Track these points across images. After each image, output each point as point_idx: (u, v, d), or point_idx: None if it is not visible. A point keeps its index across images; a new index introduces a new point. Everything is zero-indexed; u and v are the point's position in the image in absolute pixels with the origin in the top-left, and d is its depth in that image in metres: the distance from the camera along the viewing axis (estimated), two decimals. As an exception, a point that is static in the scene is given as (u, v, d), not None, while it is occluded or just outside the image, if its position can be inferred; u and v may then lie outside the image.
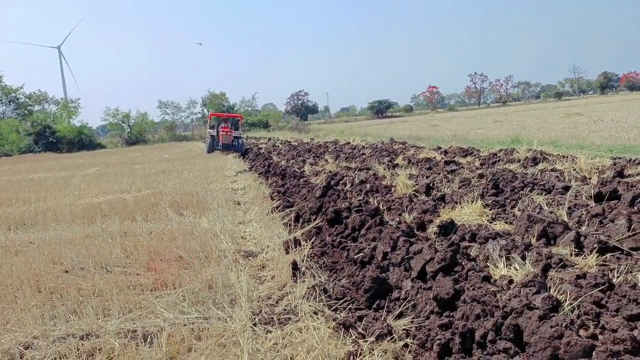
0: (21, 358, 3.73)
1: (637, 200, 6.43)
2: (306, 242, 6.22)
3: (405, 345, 3.61)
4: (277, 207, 8.61)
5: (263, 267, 5.74)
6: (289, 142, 32.62)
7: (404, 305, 4.20)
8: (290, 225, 7.18)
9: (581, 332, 3.17)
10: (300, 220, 7.52)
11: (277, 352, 3.55)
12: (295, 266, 5.15)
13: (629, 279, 4.06)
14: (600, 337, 3.12)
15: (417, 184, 9.18)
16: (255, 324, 3.99)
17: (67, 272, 5.69)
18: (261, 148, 29.33)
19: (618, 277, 4.16)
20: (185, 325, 4.06)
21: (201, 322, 4.11)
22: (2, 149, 55.36)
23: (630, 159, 10.13)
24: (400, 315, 4.06)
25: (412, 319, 3.94)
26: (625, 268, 4.32)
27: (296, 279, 4.89)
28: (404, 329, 3.80)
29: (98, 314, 4.42)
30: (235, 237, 6.97)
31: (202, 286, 4.92)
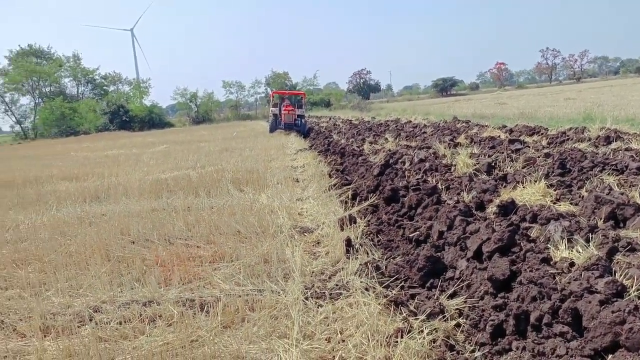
0: (90, 320, 4.00)
1: None
2: (362, 219, 6.22)
3: (457, 325, 3.57)
4: (334, 185, 8.64)
5: (318, 243, 5.81)
6: (350, 120, 32.51)
7: (458, 285, 4.14)
8: (346, 202, 7.20)
9: (646, 318, 3.00)
10: (357, 198, 7.52)
11: (327, 325, 3.60)
12: (349, 243, 5.18)
13: None
14: (667, 325, 2.94)
15: (479, 163, 8.91)
16: (307, 298, 4.06)
17: (133, 242, 6.01)
18: (322, 127, 29.41)
19: (693, 263, 3.88)
20: (240, 296, 4.20)
21: (255, 294, 4.24)
22: (81, 127, 58.73)
23: None
24: (453, 295, 4.01)
25: (466, 298, 3.87)
26: (701, 254, 4.02)
27: (349, 256, 4.92)
28: (456, 309, 3.75)
29: (160, 283, 4.65)
30: (292, 214, 7.08)
31: (257, 260, 5.05)
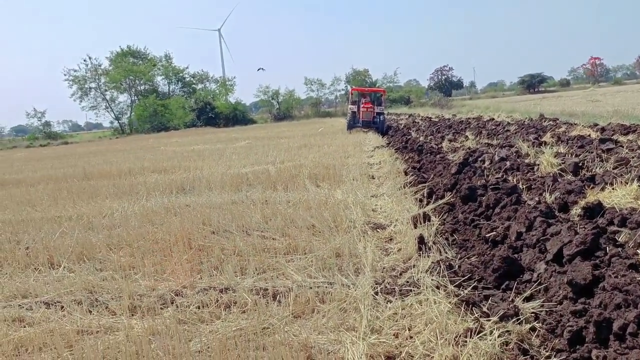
0: (172, 303, 4.27)
1: None
2: (436, 218, 6.12)
3: (533, 329, 3.44)
4: (410, 183, 8.56)
5: (390, 239, 5.80)
6: (430, 118, 31.89)
7: (535, 288, 3.98)
8: (421, 201, 7.11)
9: None
10: (433, 196, 7.40)
11: (396, 321, 3.61)
12: (421, 240, 5.12)
13: None
14: None
15: (564, 163, 8.45)
16: (376, 293, 4.08)
17: (213, 233, 6.31)
18: (400, 124, 29.08)
19: None
20: (311, 288, 4.30)
21: (326, 287, 4.32)
22: (172, 123, 62.15)
23: None
24: (529, 298, 3.86)
25: (543, 302, 3.72)
26: None
27: (421, 253, 4.88)
28: (532, 312, 3.62)
29: (236, 271, 4.87)
30: (366, 210, 7.11)
31: (330, 253, 5.14)
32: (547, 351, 3.20)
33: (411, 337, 3.36)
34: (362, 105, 25.26)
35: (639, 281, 3.58)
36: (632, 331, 2.94)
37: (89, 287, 4.82)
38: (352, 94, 30.46)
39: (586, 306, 3.40)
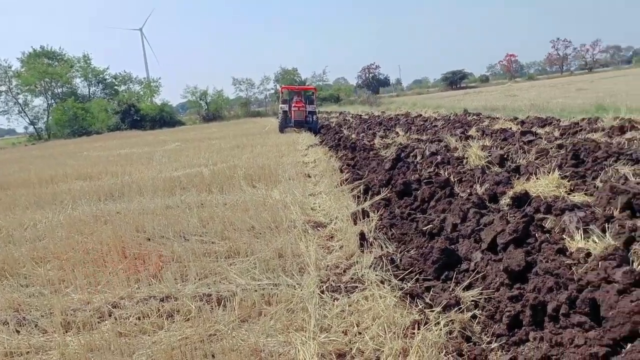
0: (109, 316, 4.06)
1: None
2: (374, 213, 6.23)
3: (474, 317, 3.58)
4: (346, 180, 8.65)
5: (331, 237, 5.84)
6: (360, 115, 32.45)
7: (473, 277, 4.14)
8: (359, 197, 7.21)
9: (665, 307, 2.99)
10: (369, 192, 7.53)
11: (344, 318, 3.63)
12: (363, 237, 5.19)
13: None
14: (686, 313, 2.93)
15: (491, 155, 8.87)
16: (322, 292, 4.09)
17: (149, 239, 6.08)
18: (332, 122, 29.38)
19: None
20: (256, 290, 4.24)
21: (271, 289, 4.28)
22: (93, 127, 59.16)
23: None
24: (468, 287, 4.01)
25: (481, 290, 3.88)
26: None
27: (364, 249, 4.94)
28: (472, 300, 3.76)
29: (176, 278, 4.71)
30: (305, 209, 7.12)
31: (272, 255, 5.09)
32: (488, 337, 3.34)
33: (360, 333, 3.39)
34: (293, 105, 24.53)
35: (568, 264, 3.81)
36: (564, 312, 3.12)
37: (14, 305, 4.48)
38: (282, 92, 29.08)
39: (522, 291, 3.57)
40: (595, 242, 4.19)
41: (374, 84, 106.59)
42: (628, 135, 9.88)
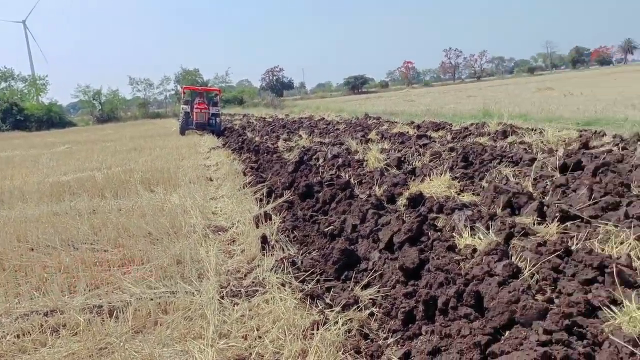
0: (-17, 335, 3.68)
1: (599, 171, 6.59)
2: (277, 216, 6.23)
3: (371, 314, 3.68)
4: (249, 183, 8.57)
5: (233, 241, 5.74)
6: (264, 118, 32.37)
7: (371, 276, 4.27)
8: (261, 200, 7.17)
9: (538, 296, 3.27)
10: (272, 195, 7.51)
11: (244, 323, 3.58)
12: (264, 240, 5.16)
13: (587, 245, 4.18)
14: (556, 300, 3.23)
15: (389, 158, 9.24)
16: (222, 297, 4.00)
17: (32, 249, 5.60)
18: (235, 124, 29.01)
19: (577, 244, 4.29)
20: (152, 299, 4.05)
21: (168, 296, 4.11)
22: (-33, 127, 53.52)
23: (596, 131, 10.36)
24: (367, 286, 4.12)
25: (379, 288, 4.00)
26: (584, 235, 4.45)
27: (265, 253, 4.91)
28: (370, 299, 3.87)
29: (63, 290, 4.37)
30: (206, 213, 6.94)
31: (170, 261, 4.90)
32: (384, 333, 3.46)
33: (260, 337, 3.36)
34: (195, 106, 23.64)
35: (457, 260, 4.06)
36: (453, 305, 3.31)
37: None
38: (184, 93, 27.61)
39: (415, 287, 3.74)
40: (481, 239, 4.49)
41: (278, 86, 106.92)
42: (509, 139, 10.76)
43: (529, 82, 53.24)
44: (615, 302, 3.05)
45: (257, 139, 17.32)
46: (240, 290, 4.14)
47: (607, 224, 4.64)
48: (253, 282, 4.32)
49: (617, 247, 4.03)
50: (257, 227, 5.80)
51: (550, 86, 34.04)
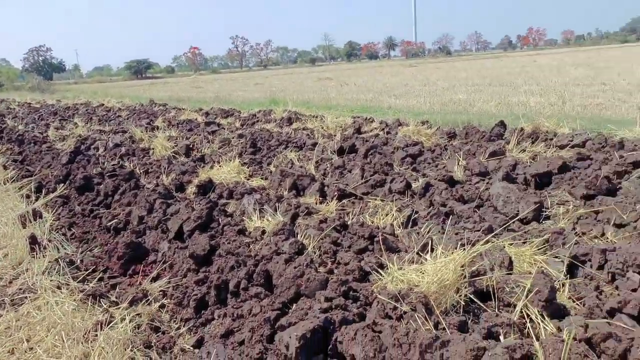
0: None
1: (369, 153, 7.43)
2: (49, 213, 5.56)
3: (162, 306, 3.55)
4: (11, 178, 7.45)
5: (-7, 245, 4.94)
6: (29, 104, 28.37)
7: (161, 267, 4.11)
8: (29, 196, 6.31)
9: (320, 268, 3.55)
10: (44, 190, 6.66)
11: (10, 336, 3.11)
12: (34, 240, 4.55)
13: (360, 219, 4.69)
14: (335, 270, 3.55)
15: (177, 146, 8.99)
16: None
17: None
18: (-7, 111, 24.84)
19: (352, 218, 4.77)
20: None
21: None
22: None
23: (367, 118, 11.61)
24: (157, 278, 3.96)
25: (170, 279, 3.88)
26: (357, 210, 4.97)
27: (35, 254, 4.34)
28: (160, 291, 3.72)
29: None
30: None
31: None
32: (176, 323, 3.37)
33: (32, 349, 2.96)
34: None
35: (247, 243, 4.16)
36: (244, 286, 3.39)
37: None
38: None
39: (207, 274, 3.72)
40: (269, 220, 4.68)
41: (46, 68, 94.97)
42: (294, 125, 11.39)
43: (311, 72, 56.98)
44: (382, 266, 3.48)
45: (20, 127, 15.12)
46: (3, 300, 3.58)
47: (375, 199, 5.26)
48: (21, 289, 3.78)
49: (383, 219, 4.60)
50: (24, 226, 5.09)
51: (329, 76, 36.96)
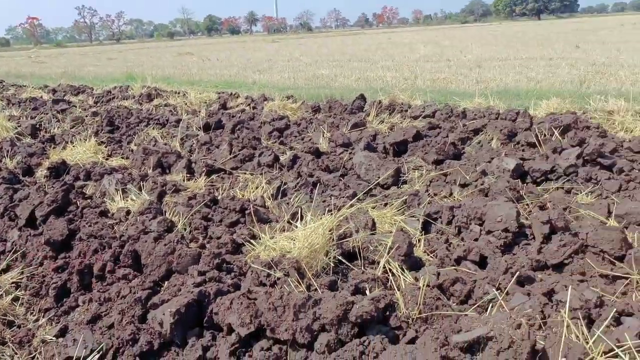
0: None
1: (237, 128, 7.39)
2: None
3: (16, 299, 3.26)
4: None
5: None
6: None
7: (11, 257, 3.74)
8: None
9: (192, 244, 3.51)
10: None
11: None
12: None
13: (230, 193, 4.68)
14: (207, 245, 3.53)
15: (21, 126, 8.10)
16: None
17: None
18: None
19: (222, 193, 4.75)
20: None
21: None
22: None
23: (232, 93, 11.46)
24: (7, 270, 3.60)
25: (22, 269, 3.55)
26: (227, 185, 4.96)
27: None
28: (12, 283, 3.40)
29: None
30: None
31: None
32: (34, 315, 3.12)
33: None
34: None
35: (110, 224, 3.94)
36: (110, 269, 3.23)
37: None
38: None
39: (67, 259, 3.48)
40: (134, 200, 4.47)
41: None
42: (155, 102, 10.87)
43: (170, 46, 54.33)
44: (254, 237, 3.54)
45: None
46: None
47: (245, 173, 5.28)
48: None
49: (253, 192, 4.65)
50: None
51: (190, 51, 35.55)
